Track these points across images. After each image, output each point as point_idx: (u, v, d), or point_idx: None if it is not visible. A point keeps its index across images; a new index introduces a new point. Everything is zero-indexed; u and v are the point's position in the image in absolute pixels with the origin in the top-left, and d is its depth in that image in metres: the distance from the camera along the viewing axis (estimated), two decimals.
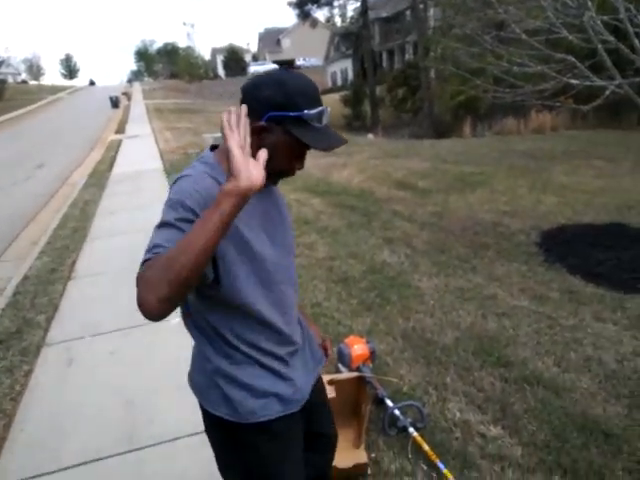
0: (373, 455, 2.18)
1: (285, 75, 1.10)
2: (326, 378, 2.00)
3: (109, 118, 23.73)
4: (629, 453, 2.11)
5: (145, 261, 0.94)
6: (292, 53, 55.14)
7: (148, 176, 9.26)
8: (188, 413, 2.21)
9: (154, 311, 0.89)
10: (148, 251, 0.96)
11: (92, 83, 75.57)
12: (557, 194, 6.30)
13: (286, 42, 59.16)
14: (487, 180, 7.32)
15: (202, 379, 1.23)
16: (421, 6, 20.73)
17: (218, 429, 1.25)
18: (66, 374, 3.02)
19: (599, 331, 3.09)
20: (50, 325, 3.66)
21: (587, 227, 5.04)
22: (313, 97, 1.10)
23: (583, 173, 7.45)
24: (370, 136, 18.66)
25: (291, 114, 1.06)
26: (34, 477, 2.21)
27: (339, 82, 40.95)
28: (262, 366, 1.20)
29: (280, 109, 1.06)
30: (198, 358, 1.24)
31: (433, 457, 2.10)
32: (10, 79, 62.58)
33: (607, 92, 4.54)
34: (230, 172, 0.93)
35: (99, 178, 9.62)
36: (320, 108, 1.09)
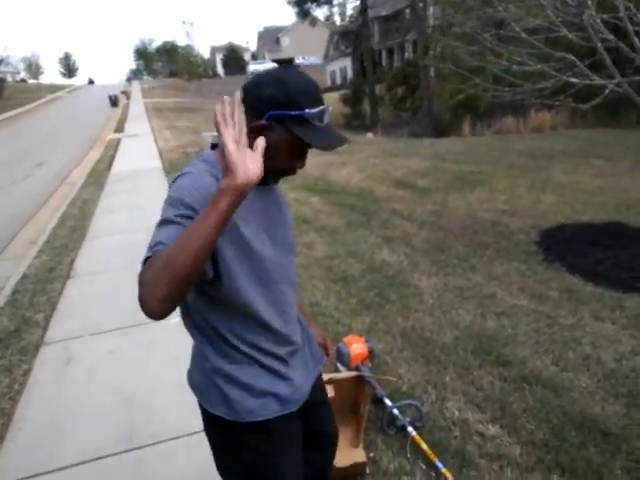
0: (372, 454, 2.18)
1: (286, 74, 1.10)
2: (325, 377, 2.00)
3: (108, 117, 23.70)
4: (627, 452, 2.11)
5: (146, 259, 0.94)
6: (291, 52, 55.02)
7: (147, 175, 9.25)
8: (187, 412, 2.21)
9: (155, 310, 0.89)
10: (149, 249, 0.96)
11: (91, 82, 75.42)
12: (556, 193, 6.30)
13: (285, 41, 59.06)
14: (486, 179, 7.32)
15: (201, 378, 1.23)
16: (420, 4, 20.70)
17: (217, 428, 1.25)
18: (65, 373, 3.02)
19: (598, 330, 3.09)
20: (49, 324, 3.66)
21: (586, 226, 5.04)
22: (314, 96, 1.10)
23: (582, 172, 7.45)
24: (369, 135, 18.66)
25: (292, 113, 1.06)
26: (33, 476, 2.21)
27: (338, 81, 40.92)
28: (261, 366, 1.20)
29: (281, 108, 1.06)
30: (197, 357, 1.24)
31: (432, 456, 2.10)
32: (9, 78, 62.49)
33: (606, 91, 4.53)
34: (226, 168, 0.92)
35: (98, 177, 9.61)
36: (321, 107, 1.09)
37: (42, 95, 41.29)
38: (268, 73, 1.12)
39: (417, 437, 2.20)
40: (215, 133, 0.95)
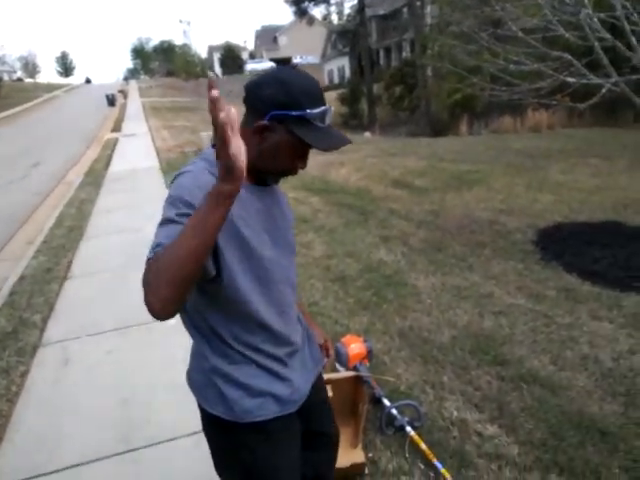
0: (370, 454, 2.18)
1: (288, 74, 1.09)
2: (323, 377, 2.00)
3: (105, 116, 23.66)
4: (625, 451, 2.11)
5: (148, 260, 0.94)
6: (289, 51, 54.99)
7: (145, 175, 9.24)
8: (185, 413, 2.21)
9: (159, 312, 0.90)
10: (151, 249, 0.96)
11: (88, 81, 75.31)
12: (553, 192, 6.31)
13: (283, 40, 59.01)
14: (484, 178, 7.33)
15: (200, 377, 1.23)
16: (418, 3, 20.72)
17: (215, 428, 1.25)
18: (63, 374, 3.01)
19: (595, 329, 3.09)
20: (46, 325, 3.65)
21: (583, 225, 5.05)
22: (316, 96, 1.09)
23: (579, 171, 7.46)
24: (367, 134, 18.68)
25: (294, 113, 1.05)
26: (31, 478, 2.20)
27: (336, 80, 40.90)
28: (259, 366, 1.20)
29: (283, 108, 1.05)
30: (196, 356, 1.24)
31: (430, 456, 2.10)
32: (5, 77, 62.26)
33: (603, 90, 4.54)
34: (221, 165, 0.86)
35: (95, 177, 9.59)
36: (323, 108, 1.08)
37: (39, 94, 41.15)
38: (270, 73, 1.12)
39: (416, 437, 2.20)
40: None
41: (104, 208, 7.11)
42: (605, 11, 4.45)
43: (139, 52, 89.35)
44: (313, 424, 1.42)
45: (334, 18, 32.97)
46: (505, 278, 3.91)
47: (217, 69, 67.25)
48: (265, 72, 1.14)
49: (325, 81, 42.55)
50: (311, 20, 29.54)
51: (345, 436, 2.15)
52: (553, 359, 2.81)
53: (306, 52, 51.57)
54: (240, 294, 1.13)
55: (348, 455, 2.04)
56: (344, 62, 38.37)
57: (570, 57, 4.64)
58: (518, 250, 4.48)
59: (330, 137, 1.10)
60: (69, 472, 2.22)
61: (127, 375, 2.94)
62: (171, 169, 8.95)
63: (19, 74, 79.03)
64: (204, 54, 79.55)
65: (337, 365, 2.57)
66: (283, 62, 46.24)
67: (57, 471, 2.23)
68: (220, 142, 0.80)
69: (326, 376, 2.14)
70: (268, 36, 61.98)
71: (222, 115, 0.78)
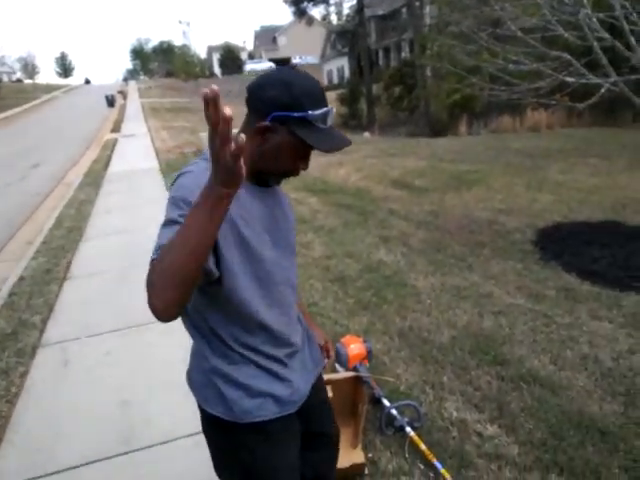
0: (370, 455, 2.18)
1: (290, 75, 1.09)
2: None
3: (105, 117, 23.66)
4: (625, 451, 2.11)
5: (152, 261, 0.93)
6: (288, 51, 55.01)
7: (144, 175, 9.24)
8: (185, 414, 2.21)
9: (163, 314, 0.90)
10: (154, 251, 0.95)
11: (87, 82, 75.29)
12: (553, 192, 6.31)
13: (282, 40, 59.04)
14: (483, 178, 7.33)
15: (200, 377, 1.23)
16: (417, 3, 20.71)
17: (215, 428, 1.25)
18: (62, 375, 3.01)
19: (595, 329, 3.09)
20: (46, 326, 3.64)
21: (582, 225, 5.05)
22: (318, 98, 1.09)
23: (578, 171, 7.47)
24: (366, 135, 18.68)
25: (295, 114, 1.05)
26: (30, 479, 2.20)
27: (335, 80, 40.91)
28: (259, 366, 1.20)
29: (285, 109, 1.05)
30: (196, 356, 1.24)
31: (430, 456, 2.10)
32: (5, 78, 62.30)
33: (602, 90, 4.54)
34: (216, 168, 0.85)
35: (95, 177, 9.59)
36: (325, 109, 1.08)
37: (38, 95, 41.14)
38: (272, 74, 1.11)
39: (415, 437, 2.20)
40: None
41: (103, 209, 7.11)
42: (604, 11, 4.46)
43: (138, 53, 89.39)
44: (313, 424, 1.41)
45: (333, 18, 33.04)
46: (504, 278, 3.91)
47: (216, 69, 67.25)
48: (267, 73, 1.13)
49: (324, 81, 42.54)
50: (310, 20, 29.55)
51: (345, 436, 2.14)
52: (553, 359, 2.81)
53: (305, 52, 51.61)
54: (240, 295, 1.13)
55: (348, 455, 2.04)
56: (343, 62, 38.38)
57: (569, 57, 4.64)
58: (517, 250, 4.49)
59: (332, 138, 1.10)
60: (69, 473, 2.22)
61: (126, 376, 2.93)
62: (170, 170, 8.95)
63: (18, 75, 79.01)
64: (203, 54, 79.68)
65: (337, 365, 2.57)
66: (282, 62, 46.26)
67: (56, 472, 2.23)
68: (220, 143, 0.79)
69: (326, 377, 2.14)
70: (267, 36, 62.02)
71: (227, 111, 0.76)
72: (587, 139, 10.73)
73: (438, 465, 2.05)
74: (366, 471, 2.09)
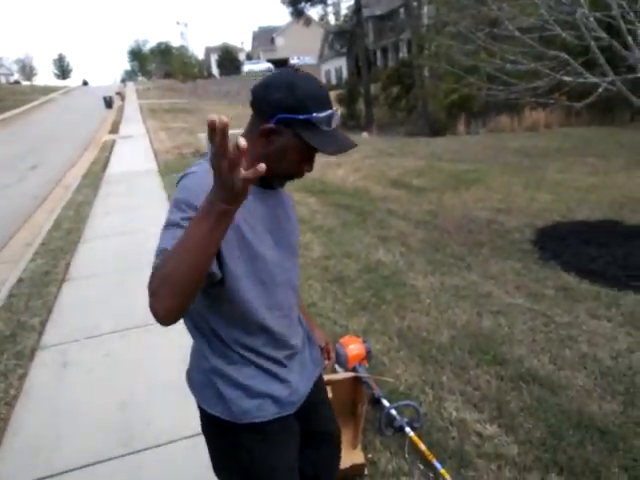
0: (370, 455, 2.18)
1: (295, 77, 1.09)
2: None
3: (103, 118, 23.63)
4: (625, 450, 2.12)
5: (155, 265, 0.93)
6: (286, 52, 55.01)
7: (142, 176, 9.23)
8: (185, 415, 2.21)
9: (164, 319, 0.90)
10: (156, 254, 0.95)
11: (85, 83, 75.14)
12: (551, 191, 6.32)
13: (280, 41, 59.06)
14: (482, 178, 7.34)
15: (199, 377, 1.23)
16: (415, 3, 20.71)
17: (214, 428, 1.25)
18: (61, 377, 3.00)
19: (594, 328, 3.10)
20: (44, 328, 3.64)
21: (581, 224, 5.06)
22: (323, 100, 1.09)
23: (577, 170, 7.48)
24: (365, 135, 18.67)
25: (300, 117, 1.05)
26: None
27: (333, 81, 40.89)
28: (259, 367, 1.20)
29: (289, 112, 1.05)
30: (196, 356, 1.24)
31: (430, 457, 2.10)
32: (2, 80, 62.21)
33: (600, 89, 4.55)
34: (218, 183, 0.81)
35: (93, 179, 9.57)
36: (329, 111, 1.08)
37: (36, 97, 41.04)
38: (277, 76, 1.11)
39: (415, 438, 2.20)
40: None
41: (102, 210, 7.10)
42: (601, 10, 4.47)
43: (136, 54, 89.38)
44: (313, 423, 1.42)
45: (331, 19, 32.95)
46: (503, 277, 3.91)
47: (214, 70, 67.23)
48: (272, 75, 1.13)
49: (323, 82, 42.45)
50: (308, 21, 29.53)
51: (345, 437, 2.14)
52: (552, 358, 2.81)
53: (303, 53, 51.59)
54: (242, 296, 1.13)
55: (348, 456, 2.04)
56: (341, 63, 38.37)
57: (567, 56, 4.65)
58: (516, 249, 4.49)
59: (336, 140, 1.10)
60: (68, 476, 2.21)
61: (126, 377, 2.93)
62: (169, 171, 8.95)
63: (16, 77, 78.99)
64: (201, 55, 79.63)
65: (336, 366, 2.57)
66: (280, 63, 46.30)
67: (56, 474, 2.22)
68: (229, 168, 0.76)
69: (325, 377, 2.14)
70: (265, 37, 62.03)
71: (242, 142, 0.73)
72: (585, 138, 10.75)
73: (438, 465, 2.05)
74: (366, 471, 2.09)
